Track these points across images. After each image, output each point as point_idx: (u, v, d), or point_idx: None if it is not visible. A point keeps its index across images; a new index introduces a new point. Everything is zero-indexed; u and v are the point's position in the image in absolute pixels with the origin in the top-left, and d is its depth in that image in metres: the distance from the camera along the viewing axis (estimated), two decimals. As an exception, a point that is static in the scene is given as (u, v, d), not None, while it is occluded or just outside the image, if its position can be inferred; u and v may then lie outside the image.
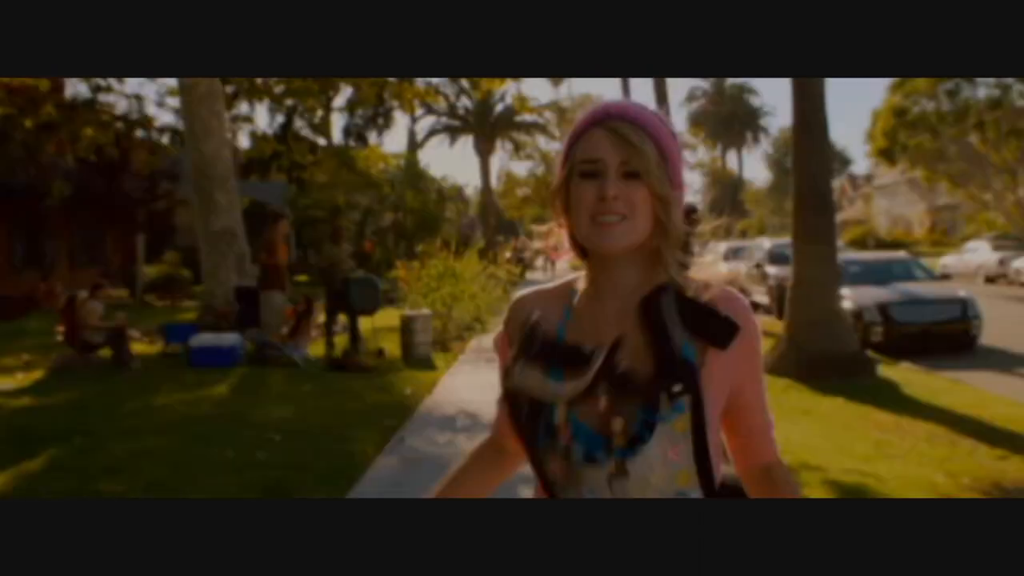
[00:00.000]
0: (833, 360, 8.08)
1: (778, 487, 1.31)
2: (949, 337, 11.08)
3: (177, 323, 11.56)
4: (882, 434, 5.98)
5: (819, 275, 8.51)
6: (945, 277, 14.55)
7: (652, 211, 1.21)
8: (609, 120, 1.22)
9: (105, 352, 9.15)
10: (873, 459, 5.26)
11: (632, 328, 1.22)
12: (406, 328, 10.08)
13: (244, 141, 28.93)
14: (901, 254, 15.95)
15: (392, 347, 10.24)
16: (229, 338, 9.39)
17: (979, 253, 26.64)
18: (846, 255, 15.49)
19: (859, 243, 42.05)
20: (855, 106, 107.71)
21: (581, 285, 1.33)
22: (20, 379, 8.57)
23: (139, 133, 17.25)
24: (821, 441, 5.72)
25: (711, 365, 1.20)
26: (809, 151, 8.41)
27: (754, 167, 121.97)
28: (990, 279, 24.63)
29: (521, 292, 1.41)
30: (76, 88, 16.17)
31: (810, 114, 8.37)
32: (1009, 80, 26.48)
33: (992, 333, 11.33)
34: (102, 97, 15.25)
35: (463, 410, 6.97)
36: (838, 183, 69.25)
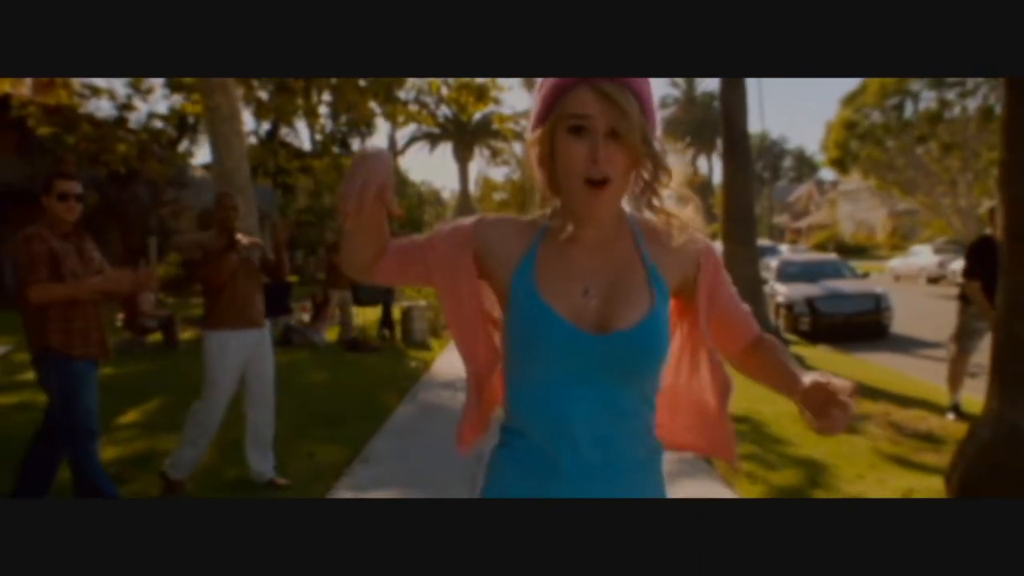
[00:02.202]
0: (753, 340, 10.13)
1: (773, 346, 1.51)
2: (865, 326, 13.07)
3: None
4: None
5: (743, 272, 10.55)
6: (866, 275, 16.57)
7: (631, 170, 1.30)
8: (596, 80, 1.25)
9: (156, 336, 10.96)
10: (761, 403, 7.23)
11: (613, 256, 1.37)
12: (406, 316, 11.98)
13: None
14: (832, 256, 18.14)
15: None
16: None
17: (922, 257, 29.05)
18: (786, 257, 17.70)
19: (822, 247, 44.29)
20: (824, 113, 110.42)
21: (549, 225, 1.40)
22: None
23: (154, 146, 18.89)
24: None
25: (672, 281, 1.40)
26: (734, 172, 10.46)
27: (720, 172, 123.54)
28: (932, 280, 26.99)
29: (491, 216, 1.45)
30: (97, 104, 17.82)
31: (736, 141, 10.41)
32: (950, 96, 28.90)
33: (908, 324, 13.47)
34: (124, 113, 16.95)
35: (459, 377, 8.83)
36: (805, 188, 71.74)
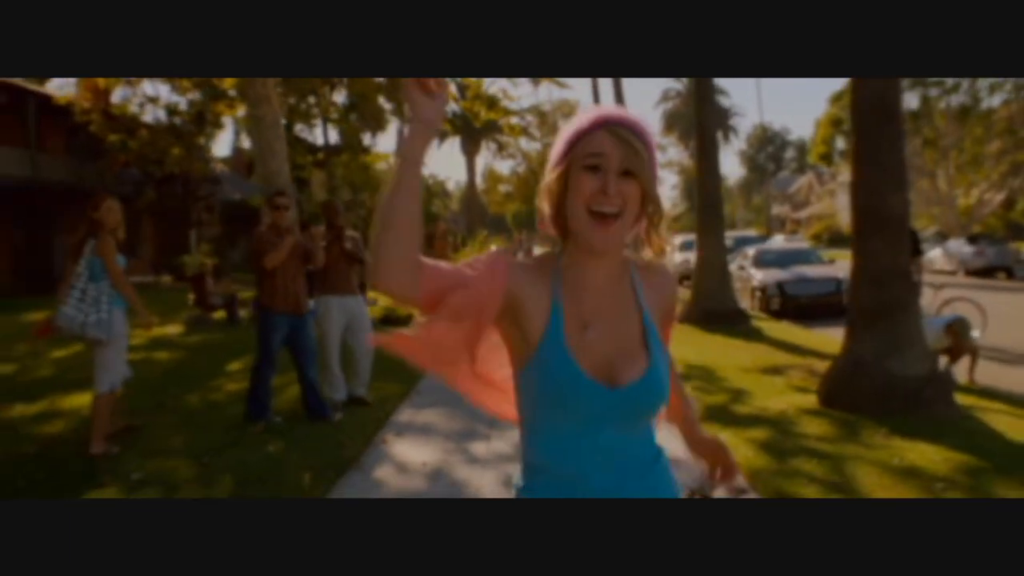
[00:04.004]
0: (720, 314, 12.17)
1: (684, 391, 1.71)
2: (827, 306, 14.92)
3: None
4: (733, 350, 10.00)
5: (714, 257, 12.58)
6: (832, 262, 18.43)
7: (638, 208, 1.42)
8: (611, 124, 1.39)
9: (220, 313, 13.02)
10: (719, 358, 9.25)
11: (617, 299, 1.49)
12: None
13: (247, 142, 32.22)
14: (804, 245, 20.17)
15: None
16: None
17: (901, 246, 30.88)
18: (762, 246, 19.73)
19: (817, 238, 46.19)
20: (822, 107, 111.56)
21: (564, 263, 1.48)
22: (173, 329, 12.46)
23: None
24: (696, 355, 9.70)
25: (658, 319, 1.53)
26: (705, 172, 12.45)
27: (727, 163, 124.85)
28: (910, 268, 28.94)
29: (516, 262, 1.49)
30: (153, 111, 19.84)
31: (706, 147, 12.42)
32: (933, 92, 30.77)
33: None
34: (172, 119, 19.00)
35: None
36: (806, 179, 73.36)
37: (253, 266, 6.18)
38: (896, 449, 5.14)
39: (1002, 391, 7.19)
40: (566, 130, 1.44)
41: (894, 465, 4.85)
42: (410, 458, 5.33)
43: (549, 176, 1.44)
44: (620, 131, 1.38)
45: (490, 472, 4.95)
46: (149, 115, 18.84)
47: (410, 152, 1.33)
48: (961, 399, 6.50)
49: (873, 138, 6.06)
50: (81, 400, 7.00)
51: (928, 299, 10.30)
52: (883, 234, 6.11)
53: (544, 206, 1.47)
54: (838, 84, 34.37)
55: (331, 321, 6.49)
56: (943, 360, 7.45)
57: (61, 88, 21.31)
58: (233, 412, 6.52)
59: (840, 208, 63.68)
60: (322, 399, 6.29)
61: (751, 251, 17.68)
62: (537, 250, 1.75)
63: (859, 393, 6.00)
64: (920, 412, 5.75)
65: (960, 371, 7.56)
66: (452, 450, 5.50)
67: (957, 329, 7.15)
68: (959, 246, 25.04)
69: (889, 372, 5.91)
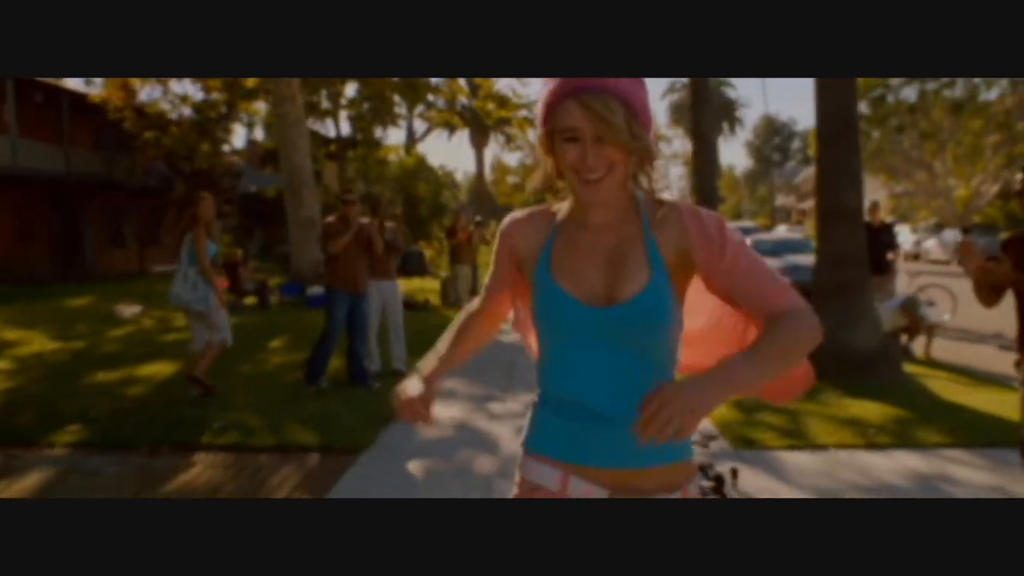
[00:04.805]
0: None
1: (783, 325, 1.43)
2: (815, 292, 16.12)
3: (289, 283, 16.52)
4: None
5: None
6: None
7: (627, 160, 1.45)
8: (579, 93, 1.40)
9: (251, 299, 14.11)
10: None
11: (619, 233, 1.52)
12: (445, 284, 15.08)
13: (260, 134, 33.31)
14: (798, 236, 21.20)
15: (434, 298, 15.26)
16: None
17: (900, 236, 31.92)
18: (758, 236, 20.76)
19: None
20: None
21: (563, 212, 1.59)
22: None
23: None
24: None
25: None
26: (704, 161, 13.44)
27: (735, 154, 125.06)
28: (908, 257, 29.97)
29: (514, 214, 1.65)
30: (168, 106, 20.93)
31: (702, 148, 13.41)
32: (932, 85, 31.57)
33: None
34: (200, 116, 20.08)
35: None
36: (811, 171, 74.04)
37: (322, 251, 7.27)
38: (844, 406, 6.18)
39: (953, 364, 8.21)
40: (541, 92, 1.47)
41: (840, 417, 5.89)
42: (439, 415, 6.39)
43: (540, 132, 1.50)
44: (587, 99, 1.39)
45: (506, 425, 5.99)
46: (176, 113, 19.91)
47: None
48: (912, 369, 7.54)
49: (834, 144, 7.07)
50: (152, 369, 8.11)
51: (904, 284, 11.34)
52: (841, 225, 7.13)
53: (546, 163, 1.53)
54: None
55: (370, 302, 7.55)
56: (904, 338, 8.50)
57: (86, 84, 22.39)
58: (284, 379, 7.60)
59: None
60: (364, 369, 7.34)
61: (748, 241, 18.69)
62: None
63: (818, 360, 6.96)
64: (871, 377, 6.78)
65: (920, 347, 8.60)
66: (473, 408, 6.56)
67: (910, 308, 8.16)
68: (953, 236, 26.01)
69: (844, 342, 6.93)
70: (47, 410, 6.39)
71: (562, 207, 1.61)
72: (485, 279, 1.75)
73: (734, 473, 4.17)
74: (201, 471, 4.93)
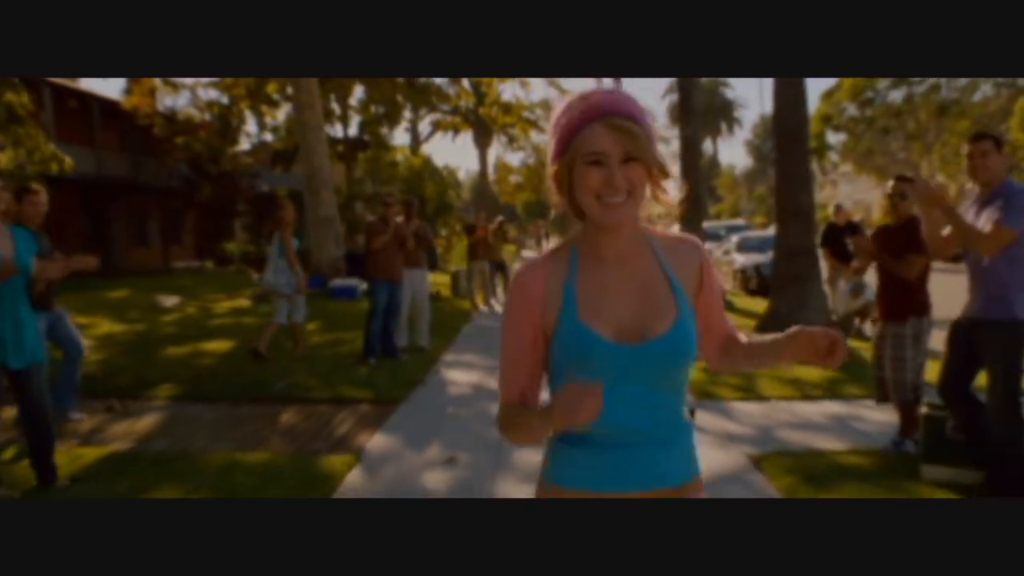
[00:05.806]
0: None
1: (746, 336, 1.71)
2: (797, 285, 17.48)
3: (311, 277, 17.86)
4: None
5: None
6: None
7: (645, 182, 1.45)
8: (607, 116, 1.40)
9: (279, 291, 15.48)
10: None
11: (638, 268, 1.54)
12: (455, 277, 16.47)
13: (268, 136, 34.29)
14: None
15: (444, 290, 16.65)
16: (352, 281, 15.73)
17: (887, 233, 33.19)
18: (745, 234, 22.12)
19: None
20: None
21: (575, 249, 1.55)
22: (243, 303, 14.93)
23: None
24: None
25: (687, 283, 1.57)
26: (693, 167, 14.78)
27: (734, 153, 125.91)
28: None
29: (530, 261, 1.58)
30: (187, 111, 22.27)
31: (691, 159, 14.75)
32: (919, 89, 32.92)
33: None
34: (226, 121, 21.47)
35: (497, 314, 13.37)
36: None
37: (365, 246, 8.62)
38: (791, 370, 7.55)
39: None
40: (559, 118, 1.46)
41: (784, 377, 7.27)
42: (458, 380, 7.78)
43: (552, 168, 1.48)
44: (616, 121, 1.39)
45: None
46: (202, 118, 21.27)
47: (542, 428, 1.48)
48: (854, 343, 8.91)
49: (787, 154, 8.45)
50: (213, 346, 9.51)
51: (871, 276, 12.66)
52: (795, 223, 8.51)
53: (555, 197, 1.52)
54: (831, 81, 36.52)
55: (405, 289, 8.91)
56: (857, 320, 9.86)
57: (122, 94, 23.73)
58: (325, 353, 8.98)
59: (843, 197, 65.90)
60: (394, 344, 8.70)
61: (735, 238, 20.06)
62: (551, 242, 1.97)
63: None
64: (817, 350, 8.13)
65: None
66: (485, 376, 7.93)
67: (857, 291, 9.52)
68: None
69: (796, 321, 8.20)
70: (138, 375, 7.78)
71: (566, 244, 1.58)
72: (503, 363, 1.65)
73: (691, 413, 5.55)
74: (280, 415, 6.31)
